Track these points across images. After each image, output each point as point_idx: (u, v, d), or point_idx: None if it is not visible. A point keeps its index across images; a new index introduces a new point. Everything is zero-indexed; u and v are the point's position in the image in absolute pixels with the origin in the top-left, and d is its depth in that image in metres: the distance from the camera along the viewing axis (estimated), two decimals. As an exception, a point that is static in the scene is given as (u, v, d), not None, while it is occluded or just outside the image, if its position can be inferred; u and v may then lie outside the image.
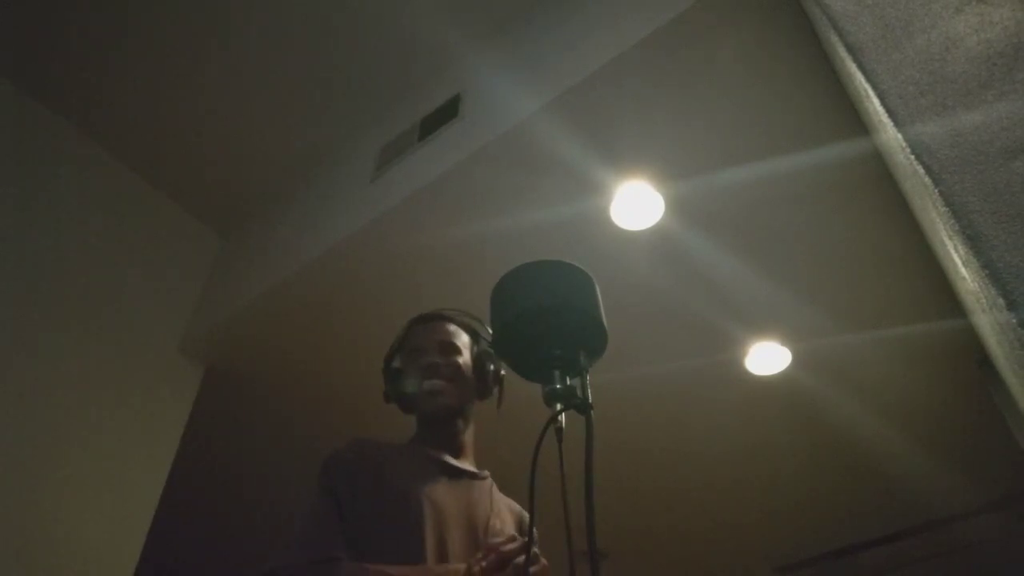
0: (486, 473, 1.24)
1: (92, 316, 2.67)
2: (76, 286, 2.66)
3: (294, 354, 2.97)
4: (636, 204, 2.42)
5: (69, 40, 2.73)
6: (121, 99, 2.90)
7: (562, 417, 0.89)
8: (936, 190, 0.91)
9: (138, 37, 2.75)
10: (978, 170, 0.89)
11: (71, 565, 2.27)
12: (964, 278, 1.00)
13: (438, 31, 2.75)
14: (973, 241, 0.84)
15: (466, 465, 1.22)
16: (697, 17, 1.97)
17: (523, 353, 0.95)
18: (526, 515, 1.21)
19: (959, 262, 0.96)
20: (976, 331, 1.66)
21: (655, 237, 2.51)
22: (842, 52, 1.24)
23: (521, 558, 1.01)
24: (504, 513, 1.17)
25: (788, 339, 2.83)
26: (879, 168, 1.95)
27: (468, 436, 1.26)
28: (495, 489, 1.23)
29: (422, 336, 1.28)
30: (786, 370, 2.93)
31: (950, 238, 0.94)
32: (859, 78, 1.15)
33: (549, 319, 0.94)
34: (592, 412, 0.87)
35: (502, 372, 1.32)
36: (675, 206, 2.43)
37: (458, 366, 1.25)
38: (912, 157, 0.97)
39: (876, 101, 1.07)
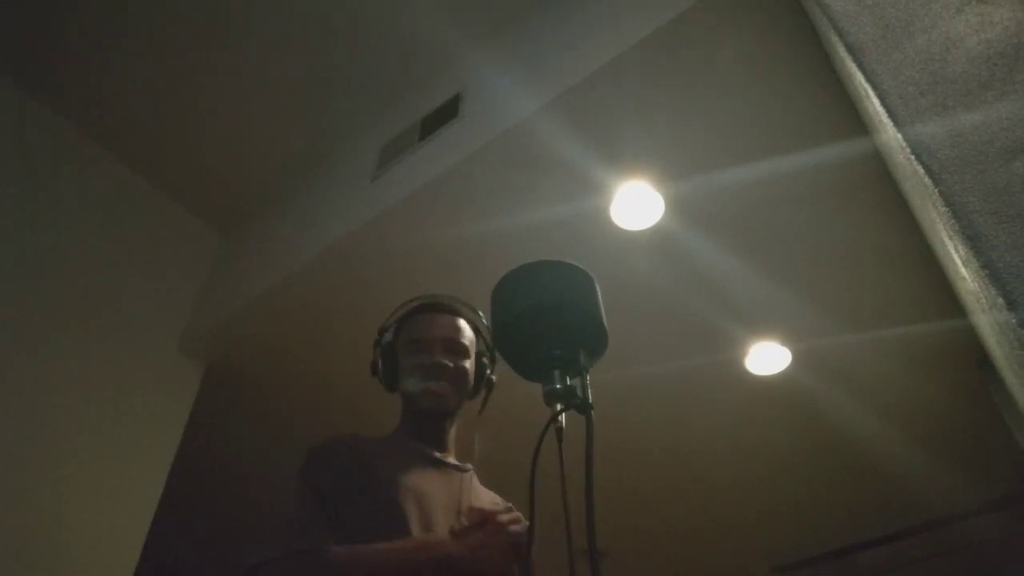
0: (468, 466, 1.24)
1: (92, 315, 2.67)
2: (76, 286, 2.67)
3: (294, 353, 2.97)
4: (636, 204, 2.42)
5: (69, 40, 2.73)
6: (121, 99, 2.90)
7: (562, 417, 0.89)
8: (936, 190, 0.91)
9: (138, 37, 2.75)
10: (978, 170, 0.89)
11: (71, 565, 2.27)
12: (964, 278, 1.01)
13: (438, 31, 2.75)
14: (973, 241, 0.84)
15: (449, 459, 1.21)
16: (697, 17, 1.97)
17: (523, 353, 0.95)
18: (513, 509, 1.21)
19: (959, 262, 0.96)
20: (976, 331, 1.66)
21: (655, 237, 2.51)
22: (842, 52, 1.24)
23: (506, 517, 1.03)
24: (487, 505, 1.17)
25: (788, 339, 2.83)
26: (879, 168, 1.96)
27: (454, 432, 1.25)
28: (476, 481, 1.23)
29: (429, 328, 1.24)
30: (786, 370, 2.93)
31: (950, 238, 0.94)
32: (859, 78, 1.15)
33: (549, 319, 0.94)
34: (592, 412, 0.87)
35: (494, 378, 1.30)
36: (675, 206, 2.43)
37: (464, 371, 1.23)
38: (912, 157, 0.97)
39: (876, 101, 1.08)
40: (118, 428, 2.57)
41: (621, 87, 2.14)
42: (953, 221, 0.87)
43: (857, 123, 1.90)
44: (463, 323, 1.28)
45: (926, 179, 0.93)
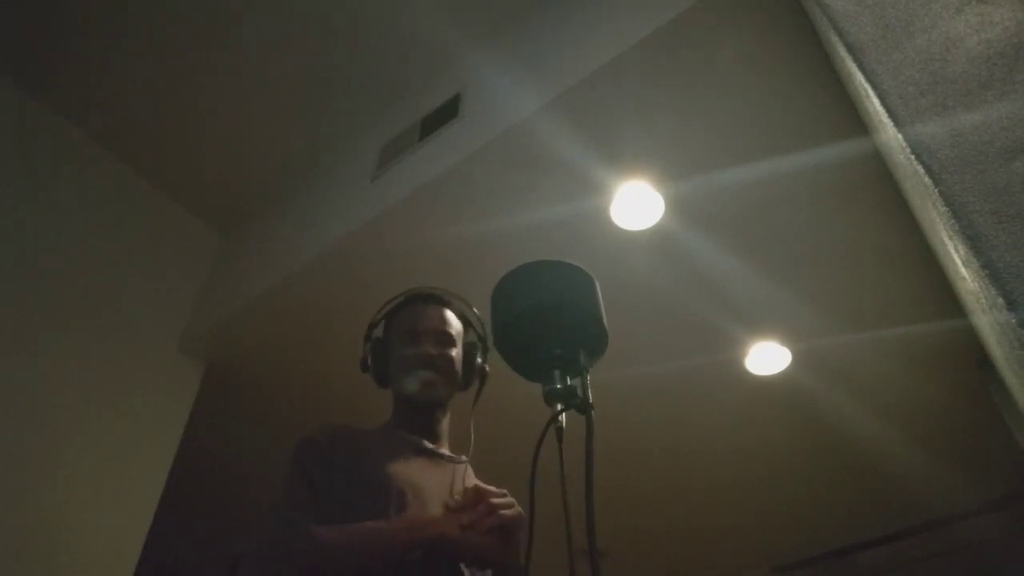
0: (463, 458, 1.23)
1: (92, 315, 2.67)
2: (76, 286, 2.67)
3: (294, 353, 2.97)
4: (636, 204, 2.42)
5: (69, 40, 2.73)
6: (121, 99, 2.90)
7: (562, 417, 0.89)
8: (936, 190, 0.91)
9: (138, 37, 2.75)
10: (978, 170, 0.89)
11: (71, 565, 2.27)
12: (964, 278, 1.01)
13: (438, 31, 2.75)
14: (973, 241, 0.84)
15: (443, 450, 1.21)
16: (697, 17, 1.97)
17: (523, 353, 0.95)
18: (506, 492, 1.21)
19: (959, 262, 0.96)
20: (976, 331, 1.66)
21: (655, 237, 2.51)
22: (842, 52, 1.24)
23: (500, 500, 1.02)
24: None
25: (788, 339, 2.83)
26: (879, 168, 1.96)
27: (446, 423, 1.25)
28: (472, 474, 1.23)
29: (416, 319, 1.25)
30: (786, 370, 2.93)
31: (950, 238, 0.94)
32: (859, 78, 1.15)
33: (550, 319, 0.94)
34: (592, 412, 0.87)
35: (487, 368, 1.30)
36: (675, 206, 2.43)
37: (452, 360, 1.23)
38: (912, 157, 0.97)
39: (876, 101, 1.08)
40: (118, 428, 2.57)
41: (621, 87, 2.14)
42: (953, 221, 0.87)
43: (857, 123, 1.90)
44: (450, 313, 1.29)
45: (926, 179, 0.93)
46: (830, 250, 2.53)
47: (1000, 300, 0.79)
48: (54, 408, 2.42)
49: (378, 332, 1.31)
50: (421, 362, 1.20)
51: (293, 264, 2.71)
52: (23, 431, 2.31)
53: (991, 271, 0.81)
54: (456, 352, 1.25)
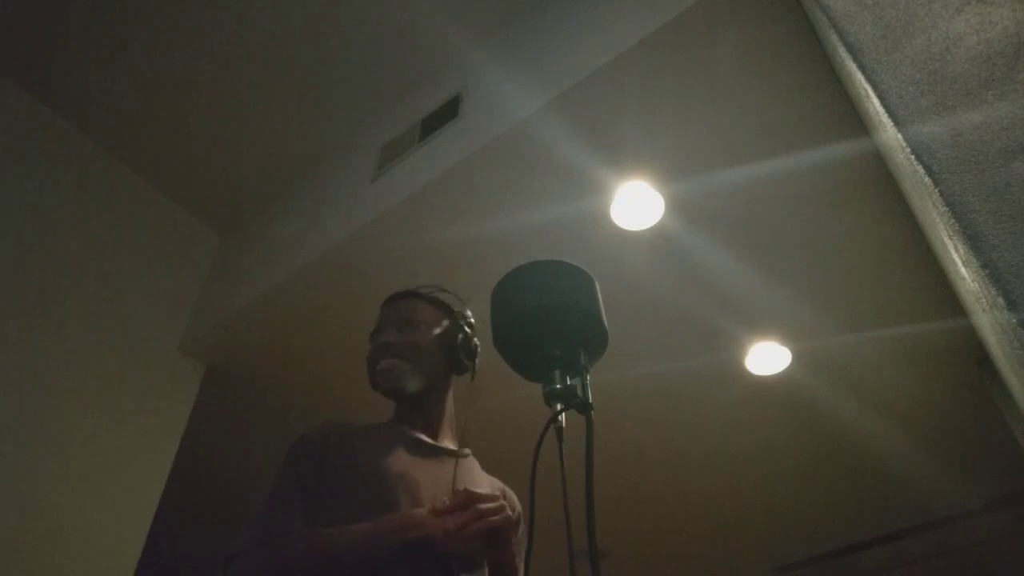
0: (467, 451, 1.22)
1: (92, 316, 2.67)
2: (76, 286, 2.67)
3: (294, 353, 2.97)
4: (636, 204, 2.42)
5: (69, 40, 2.73)
6: (121, 99, 2.90)
7: (562, 417, 0.89)
8: (936, 190, 0.91)
9: (138, 37, 2.75)
10: (978, 170, 0.89)
11: (71, 565, 2.27)
12: (964, 278, 1.00)
13: (438, 31, 2.75)
14: (973, 241, 0.84)
15: (443, 443, 1.20)
16: (697, 17, 1.97)
17: (523, 353, 0.95)
18: (509, 492, 1.21)
19: (959, 262, 0.96)
20: (976, 331, 1.66)
21: (655, 237, 2.51)
22: (842, 52, 1.24)
23: (489, 505, 1.01)
24: (484, 488, 1.15)
25: (788, 339, 2.83)
26: (879, 168, 1.96)
27: (444, 413, 1.23)
28: (477, 466, 1.22)
29: (381, 317, 1.26)
30: (786, 370, 2.93)
31: (950, 238, 0.94)
32: (859, 78, 1.15)
33: (549, 319, 0.94)
34: (592, 412, 0.87)
35: (476, 343, 1.27)
36: (675, 206, 2.43)
37: (413, 342, 1.20)
38: (912, 157, 0.97)
39: (876, 101, 1.07)
40: (119, 428, 2.57)
41: (621, 87, 2.14)
42: (953, 221, 0.87)
43: (857, 123, 1.90)
44: (418, 302, 1.27)
45: (926, 179, 0.93)
46: (830, 250, 2.53)
47: (1000, 300, 0.79)
48: (54, 409, 2.42)
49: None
50: (379, 352, 1.20)
51: (293, 265, 2.71)
52: (24, 431, 2.31)
53: (991, 271, 0.81)
54: (421, 336, 1.22)
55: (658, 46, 2.04)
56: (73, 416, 2.46)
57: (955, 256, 0.98)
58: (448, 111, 2.60)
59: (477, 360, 1.28)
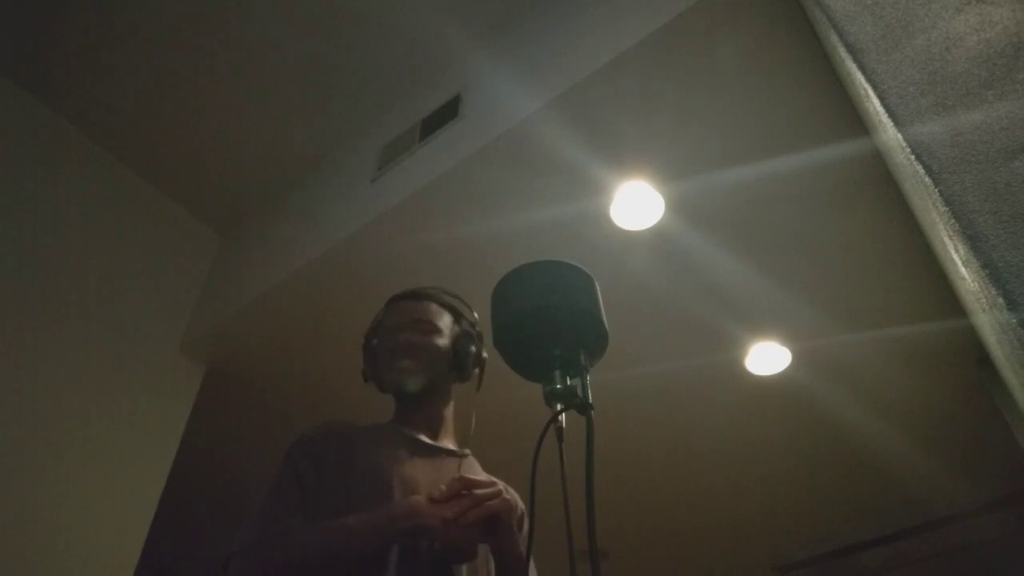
0: (467, 451, 1.22)
1: (93, 315, 2.67)
2: (76, 286, 2.67)
3: (295, 353, 2.97)
4: (636, 204, 2.42)
5: (69, 40, 2.73)
6: (121, 99, 2.90)
7: (562, 417, 0.89)
8: (936, 190, 0.91)
9: (138, 37, 2.75)
10: (978, 170, 0.89)
11: (71, 565, 2.27)
12: (964, 278, 1.01)
13: (438, 31, 2.75)
14: (973, 241, 0.84)
15: (443, 444, 1.20)
16: (697, 17, 1.97)
17: (523, 353, 0.95)
18: (511, 489, 1.20)
19: (959, 262, 0.96)
20: (976, 331, 1.66)
21: (655, 237, 2.51)
22: (842, 52, 1.24)
23: (485, 492, 1.00)
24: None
25: (788, 339, 2.83)
26: (879, 168, 1.96)
27: (446, 416, 1.23)
28: (477, 466, 1.22)
29: (394, 314, 1.25)
30: (786, 370, 2.93)
31: (950, 238, 0.94)
32: (859, 78, 1.15)
33: (550, 319, 0.94)
34: (592, 412, 0.87)
35: (484, 355, 1.29)
36: (675, 206, 2.43)
37: (431, 344, 1.21)
38: (912, 157, 0.97)
39: (876, 101, 1.07)
40: (119, 428, 2.57)
41: (621, 87, 2.14)
42: (953, 221, 0.87)
43: (857, 123, 1.90)
44: (432, 305, 1.27)
45: (926, 179, 0.93)
46: (830, 250, 2.53)
47: (1000, 300, 0.79)
48: (55, 408, 2.42)
49: (373, 340, 1.31)
50: (396, 352, 1.20)
51: (294, 265, 2.71)
52: (24, 431, 2.31)
53: (991, 271, 0.81)
54: (438, 339, 1.23)
55: (658, 46, 2.04)
56: (73, 416, 2.46)
57: (955, 256, 0.98)
58: (448, 111, 2.60)
59: (483, 372, 1.29)
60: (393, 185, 2.56)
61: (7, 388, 2.32)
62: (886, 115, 1.04)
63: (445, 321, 1.26)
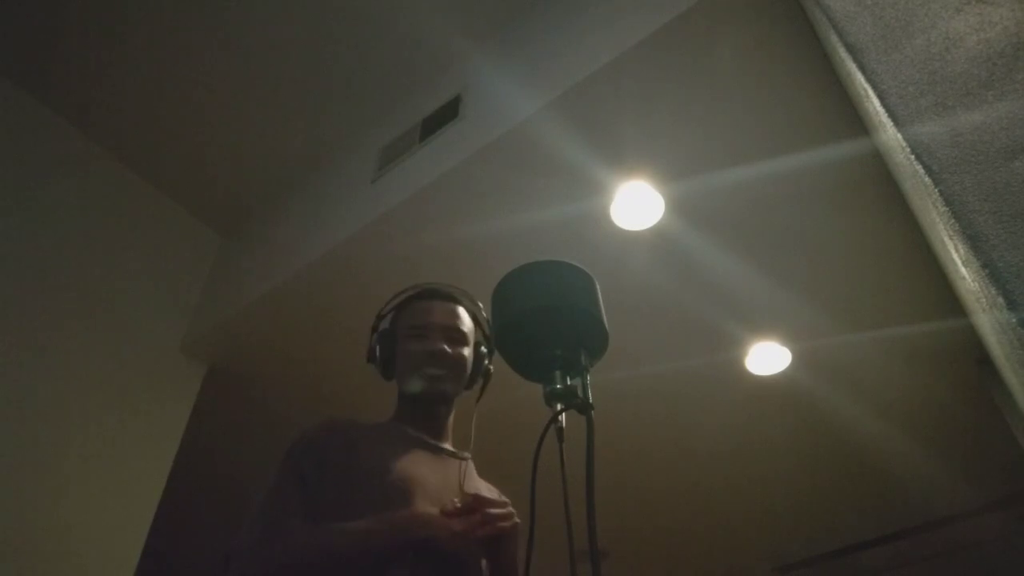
0: (467, 454, 1.22)
1: (93, 316, 2.67)
2: (77, 287, 2.67)
3: (295, 354, 2.97)
4: (636, 204, 2.42)
5: (69, 40, 2.73)
6: (121, 99, 2.90)
7: (563, 417, 0.89)
8: (936, 190, 0.91)
9: (138, 37, 2.75)
10: (978, 170, 0.89)
11: (72, 564, 2.27)
12: (964, 278, 1.01)
13: (438, 31, 2.75)
14: (973, 241, 0.84)
15: (445, 446, 1.21)
16: (697, 17, 1.97)
17: (524, 353, 0.95)
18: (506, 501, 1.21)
19: (959, 262, 0.96)
20: (976, 331, 1.66)
21: (655, 237, 2.51)
22: (842, 52, 1.24)
23: (499, 510, 1.01)
24: (484, 492, 1.16)
25: (788, 339, 2.83)
26: (879, 168, 1.96)
27: (450, 420, 1.24)
28: (473, 470, 1.22)
29: (429, 315, 1.24)
30: (786, 370, 2.93)
31: (950, 238, 0.95)
32: (859, 78, 1.15)
33: (550, 319, 0.94)
34: (592, 412, 0.87)
35: (491, 368, 1.30)
36: (675, 206, 2.43)
37: (462, 357, 1.22)
38: (912, 157, 0.97)
39: (876, 101, 1.08)
40: (119, 428, 2.57)
41: (621, 87, 2.14)
42: (953, 221, 0.87)
43: (857, 123, 1.90)
44: (462, 311, 1.28)
45: (926, 179, 0.94)
46: (830, 250, 2.53)
47: (1000, 299, 0.79)
48: (56, 409, 2.42)
49: (385, 324, 1.30)
50: (430, 358, 1.19)
51: (294, 266, 2.71)
52: (25, 431, 2.31)
53: (991, 270, 0.81)
54: (467, 351, 1.24)
55: (658, 46, 2.04)
56: (74, 416, 2.46)
57: (955, 256, 0.98)
58: (448, 111, 2.60)
59: (487, 384, 1.31)
60: (393, 186, 2.56)
61: (8, 388, 2.32)
62: (886, 115, 1.04)
63: (470, 329, 1.27)
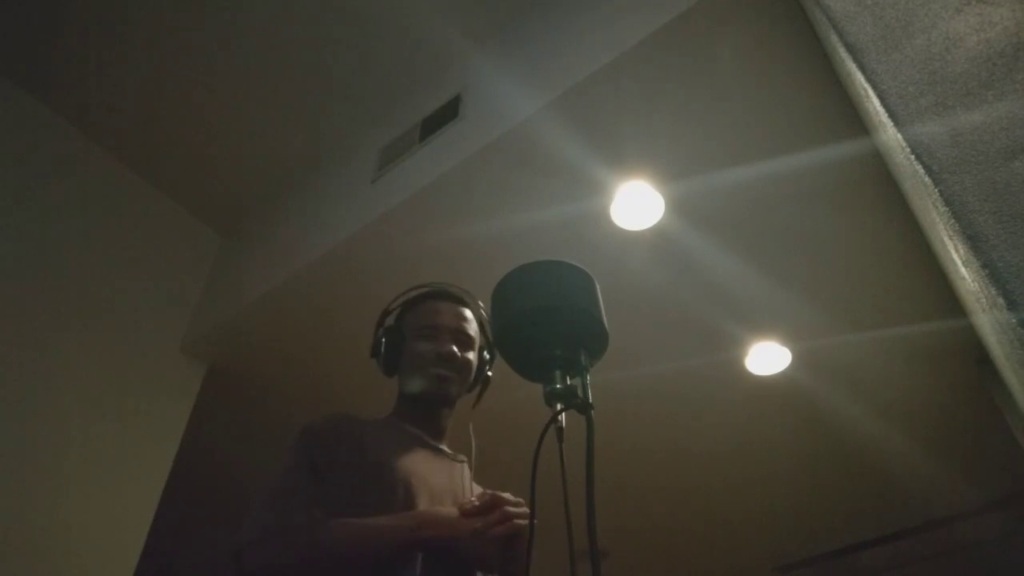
0: (463, 457, 1.23)
1: (93, 316, 2.67)
2: (77, 287, 2.67)
3: (295, 354, 2.97)
4: (636, 204, 2.42)
5: (69, 40, 2.73)
6: (121, 99, 2.90)
7: (563, 417, 0.89)
8: (936, 190, 0.91)
9: (139, 37, 2.75)
10: (978, 170, 0.89)
11: (72, 565, 2.27)
12: (964, 278, 1.01)
13: (438, 31, 2.75)
14: (973, 241, 0.84)
15: (445, 447, 1.21)
16: (697, 17, 1.97)
17: (524, 353, 0.95)
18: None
19: (959, 262, 0.96)
20: (976, 331, 1.66)
21: (655, 237, 2.52)
22: (842, 52, 1.24)
23: (516, 509, 1.02)
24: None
25: (788, 339, 2.83)
26: (879, 168, 1.96)
27: (449, 422, 1.25)
28: (469, 474, 1.23)
29: (440, 315, 1.24)
30: (786, 370, 2.93)
31: (950, 238, 0.95)
32: (859, 78, 1.15)
33: (550, 319, 0.94)
34: (592, 412, 0.87)
35: (490, 374, 1.31)
36: (675, 206, 2.43)
37: (469, 361, 1.23)
38: (912, 157, 0.97)
39: (876, 101, 1.08)
40: (119, 428, 2.57)
41: (621, 87, 2.14)
42: (953, 221, 0.87)
43: (857, 123, 1.90)
44: (470, 315, 1.29)
45: (926, 179, 0.94)
46: (830, 250, 2.53)
47: (1000, 300, 0.79)
48: (56, 408, 2.42)
49: (390, 321, 1.30)
50: (440, 359, 1.19)
51: (294, 265, 2.71)
52: (25, 431, 2.31)
53: (991, 271, 0.81)
54: (473, 355, 1.25)
55: (658, 46, 2.04)
56: (74, 416, 2.46)
57: (955, 256, 0.98)
58: (448, 111, 2.60)
59: (484, 390, 1.31)
60: (393, 186, 2.56)
61: (8, 388, 2.32)
62: (886, 115, 1.04)
63: (476, 337, 1.28)
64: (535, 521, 0.94)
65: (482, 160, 2.33)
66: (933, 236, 1.42)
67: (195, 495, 3.49)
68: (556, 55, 2.33)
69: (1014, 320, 0.77)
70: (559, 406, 0.89)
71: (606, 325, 0.95)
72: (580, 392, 0.89)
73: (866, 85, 1.11)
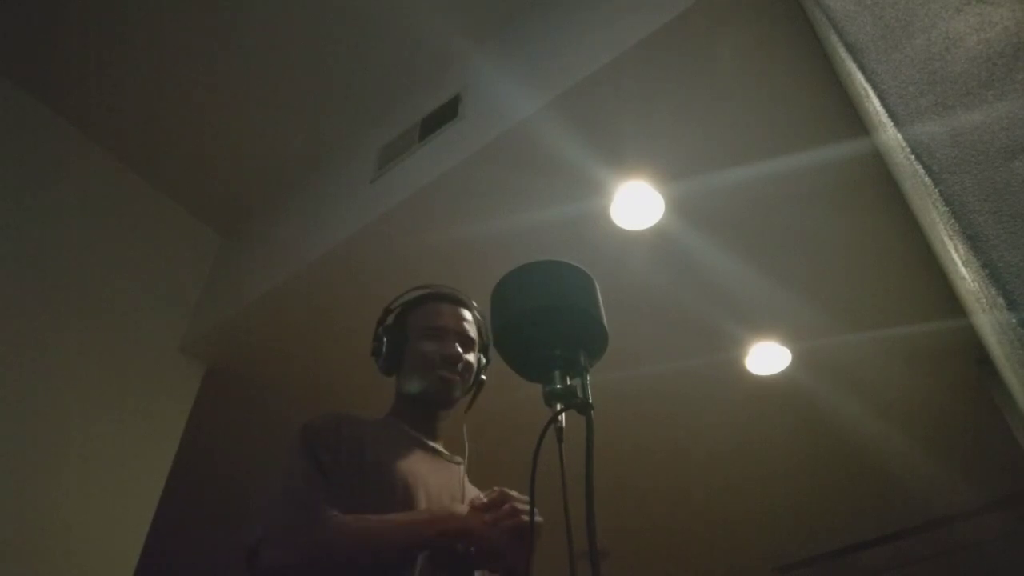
0: (459, 459, 1.23)
1: (93, 316, 2.67)
2: (76, 286, 2.67)
3: (295, 354, 2.97)
4: (636, 204, 2.42)
5: (69, 40, 2.73)
6: (121, 99, 2.90)
7: (562, 417, 0.89)
8: (936, 190, 0.91)
9: (139, 37, 2.75)
10: (978, 170, 0.89)
11: (71, 565, 2.27)
12: (964, 278, 1.00)
13: (438, 31, 2.75)
14: (973, 241, 0.84)
15: (442, 448, 1.22)
16: (697, 17, 1.97)
17: (523, 353, 0.95)
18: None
19: (959, 262, 0.96)
20: (976, 331, 1.66)
21: (655, 237, 2.51)
22: (842, 52, 1.24)
23: (524, 505, 1.03)
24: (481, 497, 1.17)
25: (788, 339, 2.83)
26: (879, 168, 1.96)
27: (446, 424, 1.26)
28: (466, 476, 1.23)
29: (444, 317, 1.25)
30: (786, 370, 2.93)
31: (950, 238, 0.94)
32: (859, 78, 1.15)
33: (549, 319, 0.94)
34: (592, 412, 0.87)
35: (484, 378, 1.31)
36: (675, 206, 2.43)
37: (471, 365, 1.24)
38: (912, 157, 0.97)
39: (876, 101, 1.08)
40: (119, 429, 2.57)
41: (621, 87, 2.14)
42: (953, 221, 0.87)
43: (857, 123, 1.90)
44: (472, 317, 1.30)
45: (926, 179, 0.93)
46: (830, 250, 2.53)
47: (1000, 300, 0.79)
48: (55, 409, 2.42)
49: (391, 321, 1.31)
50: (445, 361, 1.20)
51: (294, 266, 2.71)
52: (24, 431, 2.31)
53: (991, 271, 0.81)
54: (473, 359, 1.26)
55: (658, 46, 2.04)
56: (73, 416, 2.46)
57: (955, 256, 0.98)
58: (448, 111, 2.60)
59: (478, 393, 1.32)
60: (393, 185, 2.56)
61: (7, 388, 2.32)
62: (886, 115, 1.04)
63: (476, 340, 1.29)
64: (538, 519, 0.95)
65: (482, 160, 2.33)
66: (933, 236, 1.42)
67: (195, 495, 3.49)
68: (556, 55, 2.33)
69: (1014, 320, 0.77)
70: (559, 406, 0.89)
71: (606, 325, 0.95)
72: (580, 392, 0.89)
73: (866, 85, 1.11)
